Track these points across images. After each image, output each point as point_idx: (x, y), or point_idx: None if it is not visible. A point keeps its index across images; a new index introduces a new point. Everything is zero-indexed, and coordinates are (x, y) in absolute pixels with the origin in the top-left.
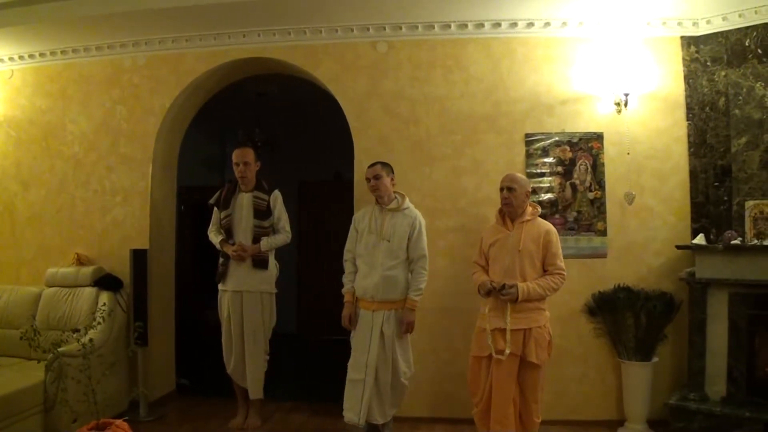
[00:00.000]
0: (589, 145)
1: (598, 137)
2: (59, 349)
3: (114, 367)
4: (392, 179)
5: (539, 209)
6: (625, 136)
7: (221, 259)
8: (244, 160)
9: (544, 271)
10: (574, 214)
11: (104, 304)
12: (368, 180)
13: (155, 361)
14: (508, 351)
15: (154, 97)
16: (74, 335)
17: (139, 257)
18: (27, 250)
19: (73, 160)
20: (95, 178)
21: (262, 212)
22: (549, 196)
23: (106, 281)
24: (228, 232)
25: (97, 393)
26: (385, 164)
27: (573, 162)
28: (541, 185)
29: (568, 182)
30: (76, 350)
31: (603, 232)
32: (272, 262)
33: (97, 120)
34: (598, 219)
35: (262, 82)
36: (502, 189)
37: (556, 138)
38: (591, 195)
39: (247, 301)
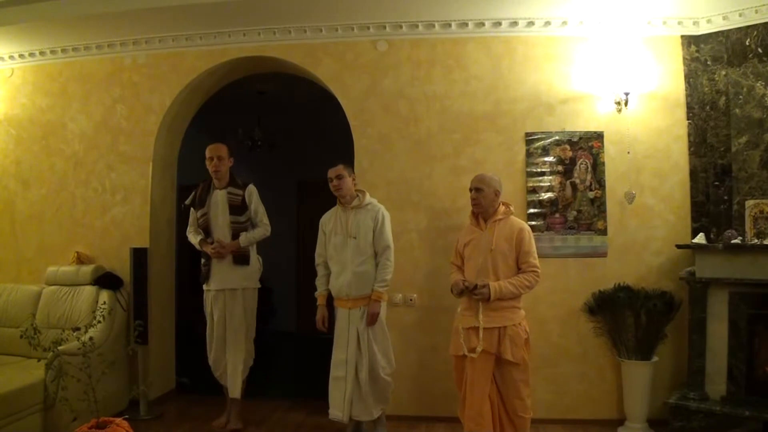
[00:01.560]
0: (589, 144)
1: (599, 136)
2: (59, 348)
3: (114, 366)
4: (353, 179)
5: (512, 208)
6: (625, 136)
7: (203, 260)
8: (217, 154)
9: (519, 270)
10: (575, 213)
11: (104, 303)
12: (330, 180)
13: (155, 359)
14: (479, 349)
15: (154, 95)
16: (74, 334)
17: (139, 256)
18: (27, 248)
19: (73, 159)
20: (95, 177)
21: (238, 207)
22: (549, 195)
23: (106, 280)
24: (206, 231)
25: (97, 391)
26: (347, 165)
27: (573, 161)
28: (542, 184)
29: (568, 181)
30: (76, 349)
31: (603, 231)
32: (254, 257)
33: (97, 118)
34: (598, 218)
35: (262, 81)
36: (470, 190)
37: (557, 137)
38: (591, 194)
39: (229, 299)
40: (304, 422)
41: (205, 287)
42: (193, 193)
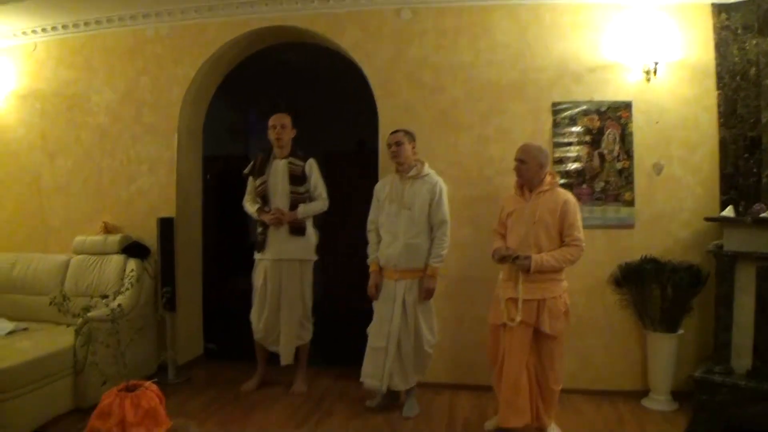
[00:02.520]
0: (617, 114)
1: (627, 106)
2: (88, 314)
3: (142, 332)
4: (413, 147)
5: (558, 179)
6: (654, 105)
7: (259, 228)
8: (281, 122)
9: (562, 242)
10: (602, 184)
11: (132, 271)
12: (389, 146)
13: (183, 326)
14: (518, 319)
15: (178, 67)
16: (103, 301)
17: (165, 225)
18: (54, 219)
19: (98, 131)
20: (121, 148)
21: (298, 177)
22: (576, 165)
23: (133, 249)
24: (264, 199)
25: (126, 356)
26: (407, 132)
27: (601, 131)
28: (569, 155)
29: (596, 152)
30: (105, 315)
31: (630, 203)
32: (311, 229)
33: (122, 90)
34: (625, 189)
35: (285, 51)
36: (515, 160)
37: (584, 107)
38: (619, 165)
39: (286, 270)
40: (330, 387)
41: (258, 256)
42: (252, 162)
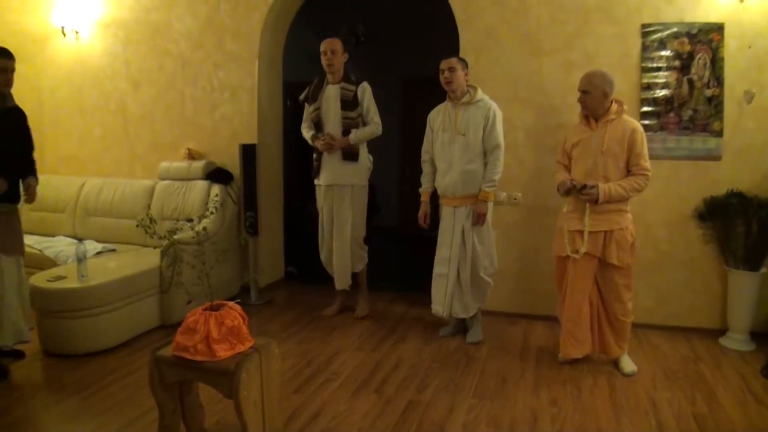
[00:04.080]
0: (708, 37)
1: (719, 29)
2: (175, 237)
3: (226, 255)
4: (466, 74)
5: (624, 106)
6: (747, 28)
7: (315, 155)
8: (331, 48)
9: (629, 172)
10: (690, 112)
11: (216, 196)
12: (442, 71)
13: (265, 250)
14: (583, 250)
15: None
16: (188, 224)
17: (248, 152)
18: (140, 145)
19: (180, 59)
20: (203, 76)
21: (349, 103)
22: (665, 92)
23: (217, 174)
24: (318, 126)
25: (210, 277)
26: (460, 58)
27: (691, 56)
28: (657, 81)
29: (685, 78)
30: (190, 237)
31: (719, 133)
32: (364, 155)
33: (203, 18)
34: (714, 118)
35: None
36: (579, 91)
37: (675, 29)
38: (708, 92)
39: (337, 195)
40: (405, 314)
41: (315, 182)
42: (307, 88)
